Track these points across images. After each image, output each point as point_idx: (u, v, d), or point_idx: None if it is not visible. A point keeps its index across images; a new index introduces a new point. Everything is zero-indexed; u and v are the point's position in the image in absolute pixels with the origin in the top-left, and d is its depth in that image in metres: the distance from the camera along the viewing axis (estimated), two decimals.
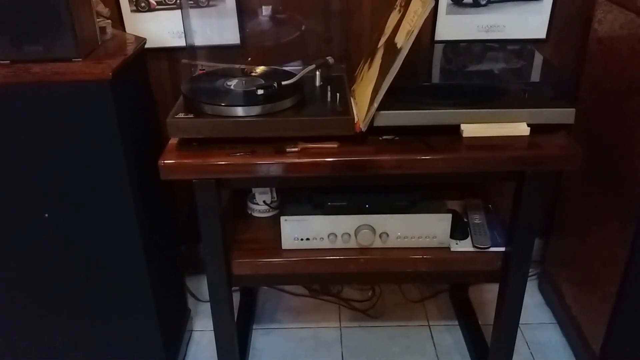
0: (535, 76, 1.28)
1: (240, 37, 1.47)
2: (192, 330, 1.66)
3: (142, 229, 1.23)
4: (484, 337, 1.56)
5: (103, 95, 1.06)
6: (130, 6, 1.42)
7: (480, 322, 1.63)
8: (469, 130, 1.07)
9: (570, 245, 1.57)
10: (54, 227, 1.20)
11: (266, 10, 1.45)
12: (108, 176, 1.15)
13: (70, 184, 1.16)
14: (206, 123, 1.09)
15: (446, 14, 1.45)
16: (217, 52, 1.44)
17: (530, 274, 1.78)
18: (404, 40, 1.00)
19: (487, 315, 1.64)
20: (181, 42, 1.44)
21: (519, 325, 1.61)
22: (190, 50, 1.35)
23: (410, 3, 1.08)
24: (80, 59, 1.08)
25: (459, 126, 1.09)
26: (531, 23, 1.47)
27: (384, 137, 1.11)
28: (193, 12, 1.42)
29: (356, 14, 1.47)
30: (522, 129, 1.08)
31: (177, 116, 1.09)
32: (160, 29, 1.45)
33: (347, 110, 1.10)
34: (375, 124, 1.08)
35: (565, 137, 1.09)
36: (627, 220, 1.26)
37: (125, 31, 1.44)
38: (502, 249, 1.22)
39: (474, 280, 1.61)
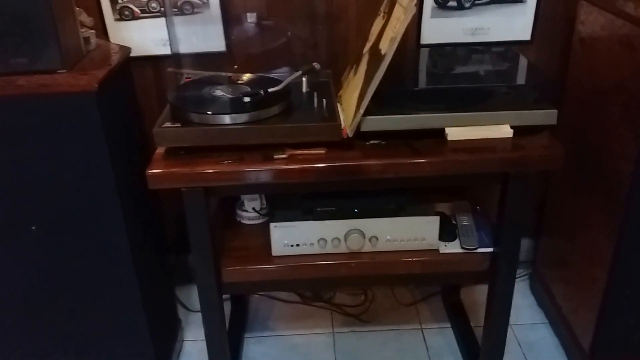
0: (518, 78, 1.34)
1: (226, 44, 1.51)
2: (183, 341, 1.69)
3: (131, 240, 1.26)
4: (476, 338, 1.61)
5: (89, 106, 1.09)
6: (113, 15, 1.46)
7: (472, 324, 1.68)
8: (454, 133, 1.12)
9: (560, 245, 1.62)
10: (41, 239, 1.22)
11: (251, 17, 1.49)
12: (96, 187, 1.18)
13: (58, 196, 1.18)
14: (193, 132, 1.12)
15: (431, 17, 1.50)
16: (202, 59, 1.47)
17: (521, 274, 1.84)
18: (387, 47, 1.05)
19: (479, 316, 1.68)
20: (166, 50, 1.47)
21: (512, 325, 1.67)
22: (175, 58, 1.38)
23: (393, 10, 1.13)
24: (65, 71, 1.11)
25: (444, 130, 1.13)
26: (516, 25, 1.52)
27: (371, 141, 1.15)
28: (177, 20, 1.46)
29: (342, 19, 1.51)
30: (505, 131, 1.13)
31: (164, 125, 1.12)
32: (145, 38, 1.49)
33: (334, 116, 1.14)
34: (362, 129, 1.12)
35: (548, 138, 1.14)
36: (612, 219, 1.31)
37: (109, 40, 1.47)
38: (490, 249, 1.27)
39: (463, 281, 1.65)
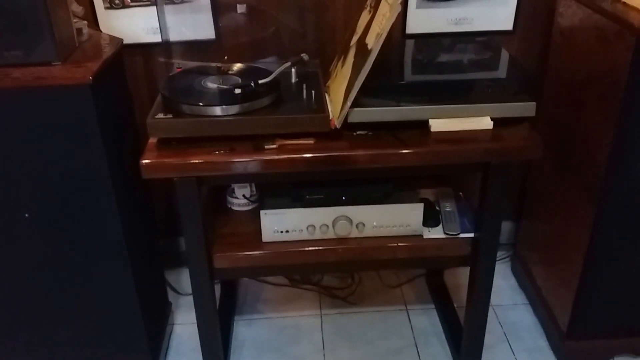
0: (499, 71, 1.40)
1: (215, 33, 1.55)
2: (173, 324, 1.75)
3: (125, 227, 1.30)
4: (459, 318, 1.70)
5: (84, 99, 1.13)
6: (104, 3, 1.49)
7: (455, 305, 1.76)
8: (437, 125, 1.19)
9: (539, 228, 1.71)
10: (35, 226, 1.26)
11: (240, 6, 1.53)
12: (90, 175, 1.22)
13: (52, 185, 1.22)
14: (186, 123, 1.17)
15: (416, 8, 1.56)
16: (192, 47, 1.52)
17: (503, 256, 1.93)
18: (373, 42, 1.11)
19: (462, 298, 1.76)
20: (156, 38, 1.52)
21: (493, 306, 1.76)
22: (165, 46, 1.43)
23: (379, 4, 1.18)
24: (59, 63, 1.15)
25: (427, 121, 1.20)
26: (498, 15, 1.59)
27: (358, 132, 1.21)
28: (168, 9, 1.49)
29: (329, 8, 1.56)
30: (486, 122, 1.20)
31: (157, 117, 1.17)
32: (135, 26, 1.53)
33: (322, 107, 1.20)
34: (350, 120, 1.18)
35: (527, 129, 1.22)
36: (588, 205, 1.39)
37: (99, 28, 1.51)
38: (471, 234, 1.35)
39: (446, 265, 1.73)
